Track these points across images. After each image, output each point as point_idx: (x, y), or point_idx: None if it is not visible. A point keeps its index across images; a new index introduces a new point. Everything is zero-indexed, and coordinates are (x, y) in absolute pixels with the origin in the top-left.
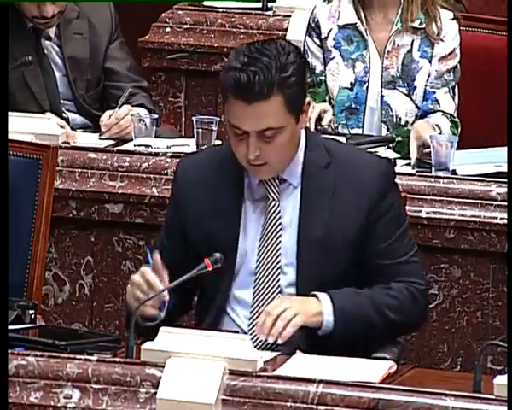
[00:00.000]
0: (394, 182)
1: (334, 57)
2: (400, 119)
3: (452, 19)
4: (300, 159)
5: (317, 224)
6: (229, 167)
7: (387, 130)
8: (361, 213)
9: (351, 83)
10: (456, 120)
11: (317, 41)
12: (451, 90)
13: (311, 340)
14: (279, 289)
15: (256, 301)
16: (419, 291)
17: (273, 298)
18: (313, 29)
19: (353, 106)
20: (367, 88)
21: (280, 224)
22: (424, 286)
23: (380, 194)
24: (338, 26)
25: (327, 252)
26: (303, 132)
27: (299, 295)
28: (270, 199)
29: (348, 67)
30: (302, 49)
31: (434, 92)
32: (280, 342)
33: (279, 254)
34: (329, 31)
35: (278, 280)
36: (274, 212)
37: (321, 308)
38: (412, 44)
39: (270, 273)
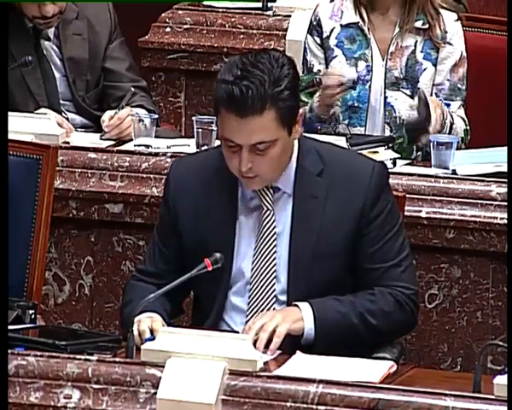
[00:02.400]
0: (387, 184)
1: (336, 56)
2: (403, 120)
3: (456, 20)
4: (293, 166)
5: (309, 231)
6: (223, 174)
7: (391, 131)
8: (353, 219)
9: (353, 81)
10: (468, 127)
11: (318, 40)
12: (463, 100)
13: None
14: (274, 297)
15: (251, 308)
16: (406, 296)
17: (268, 305)
18: (315, 27)
19: (356, 104)
20: (370, 87)
21: (274, 233)
22: (413, 290)
23: (372, 199)
24: (341, 25)
25: (319, 259)
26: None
27: (291, 301)
28: (265, 209)
29: (351, 66)
30: (302, 46)
31: (449, 105)
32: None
33: (274, 264)
34: (332, 30)
35: (274, 289)
36: (268, 221)
37: (301, 315)
38: (415, 46)
39: (265, 281)
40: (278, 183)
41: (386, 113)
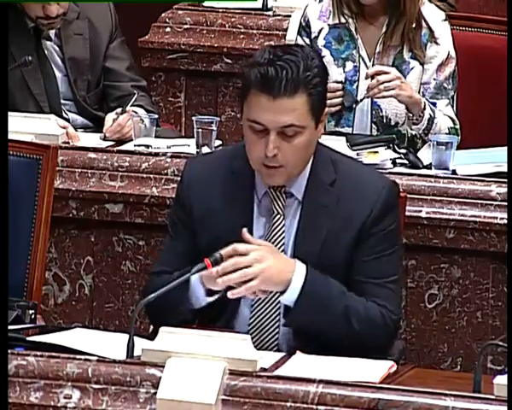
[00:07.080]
0: (396, 205)
1: (324, 57)
2: (390, 120)
3: (444, 20)
4: (307, 173)
5: (314, 241)
6: (239, 175)
7: (377, 130)
8: (352, 234)
9: (341, 82)
10: (458, 126)
11: (307, 40)
12: (451, 100)
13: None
14: (278, 293)
15: (254, 309)
16: (391, 320)
17: (272, 301)
18: (304, 28)
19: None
20: (357, 87)
21: (283, 238)
22: (397, 317)
23: (377, 216)
24: (329, 25)
25: (322, 269)
26: None
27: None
28: (275, 212)
29: (338, 67)
30: None
31: (435, 104)
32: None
33: None
34: (320, 30)
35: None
36: (278, 225)
37: (291, 276)
38: (403, 46)
39: None
40: (291, 188)
41: (374, 112)
